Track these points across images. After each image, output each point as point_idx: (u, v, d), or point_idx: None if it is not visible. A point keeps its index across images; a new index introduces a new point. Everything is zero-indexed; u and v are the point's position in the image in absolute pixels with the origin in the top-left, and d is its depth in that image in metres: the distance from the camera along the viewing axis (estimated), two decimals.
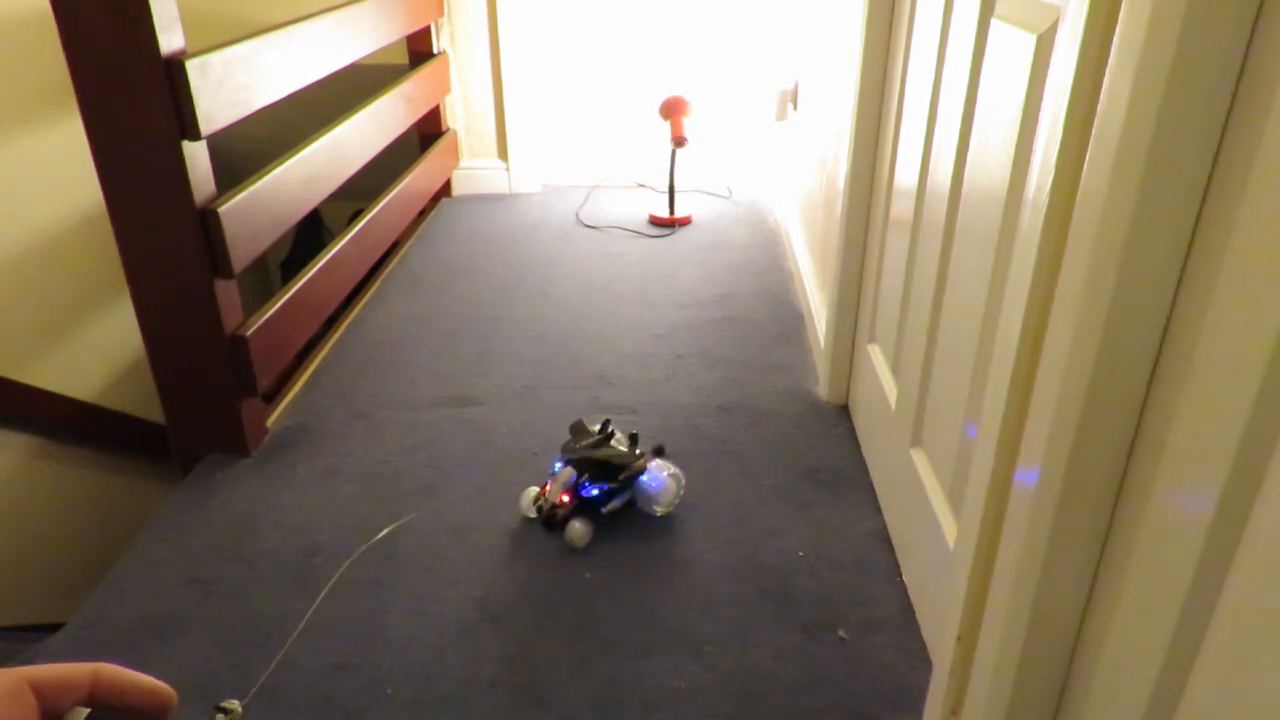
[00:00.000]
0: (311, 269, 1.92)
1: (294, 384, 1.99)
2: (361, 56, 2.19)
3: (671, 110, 2.84)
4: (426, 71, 2.79)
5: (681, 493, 1.53)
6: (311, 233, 3.51)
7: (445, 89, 3.01)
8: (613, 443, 1.53)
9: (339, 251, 2.06)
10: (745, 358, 2.08)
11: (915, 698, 1.17)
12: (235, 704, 0.47)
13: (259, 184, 1.67)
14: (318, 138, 1.96)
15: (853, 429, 1.79)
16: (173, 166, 1.47)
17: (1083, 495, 0.76)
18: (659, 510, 1.52)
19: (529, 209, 3.09)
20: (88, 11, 1.38)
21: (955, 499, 1.18)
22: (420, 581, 1.41)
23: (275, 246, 2.33)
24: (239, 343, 1.62)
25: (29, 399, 2.24)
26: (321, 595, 1.36)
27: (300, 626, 1.30)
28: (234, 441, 1.70)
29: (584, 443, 1.52)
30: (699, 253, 2.70)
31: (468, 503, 1.58)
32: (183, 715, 0.49)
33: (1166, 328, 0.69)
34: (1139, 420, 0.73)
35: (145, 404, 2.50)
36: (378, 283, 2.51)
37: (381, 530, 1.49)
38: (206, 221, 1.52)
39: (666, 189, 2.92)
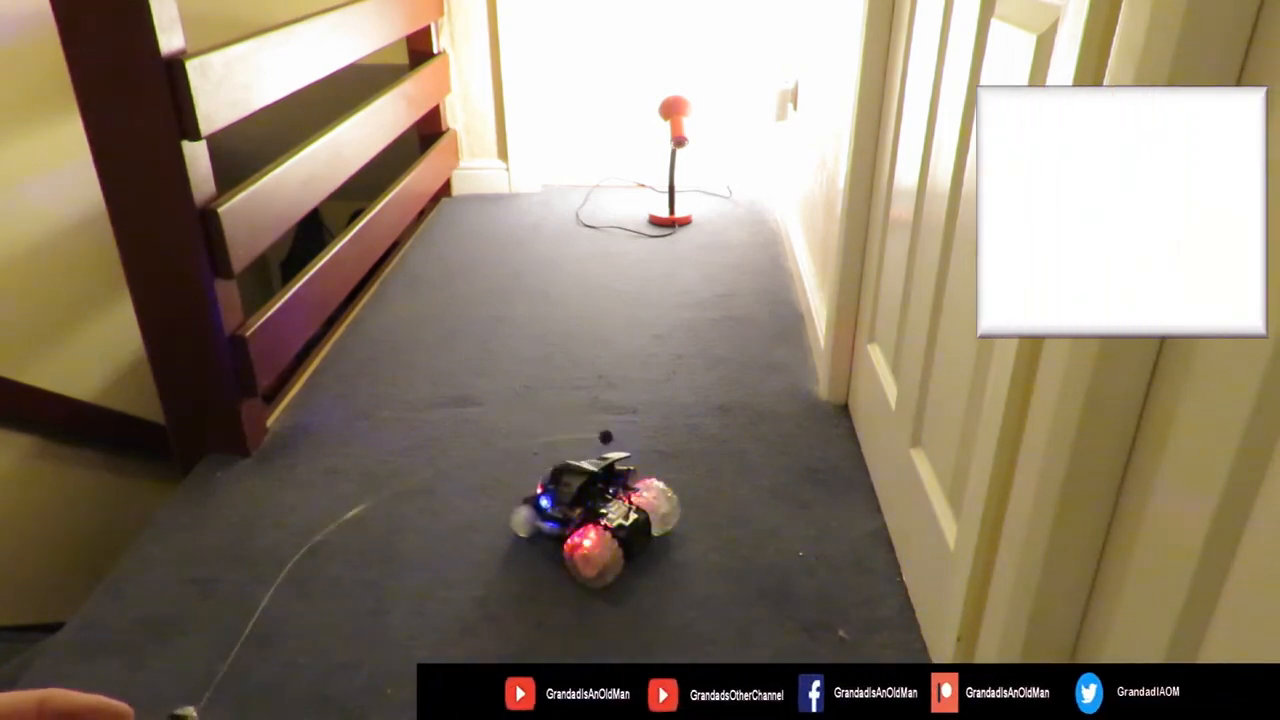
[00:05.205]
0: (311, 269, 1.92)
1: (294, 384, 1.99)
2: (361, 56, 2.19)
3: (671, 110, 2.84)
4: (426, 71, 2.79)
5: (675, 512, 1.48)
6: (311, 233, 3.51)
7: (445, 89, 3.01)
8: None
9: (339, 251, 2.06)
10: (745, 358, 2.08)
11: None
12: (190, 711, 0.46)
13: (259, 184, 1.67)
14: (318, 138, 1.96)
15: (853, 429, 1.79)
16: (173, 166, 1.47)
17: (1083, 495, 0.76)
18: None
19: (529, 209, 3.09)
20: (88, 11, 1.38)
21: (955, 499, 1.18)
22: (420, 581, 1.41)
23: (275, 246, 2.33)
24: (239, 343, 1.62)
25: (29, 399, 2.24)
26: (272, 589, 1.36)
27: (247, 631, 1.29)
28: (234, 441, 1.70)
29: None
30: (699, 253, 2.70)
31: (468, 503, 1.58)
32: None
33: None
34: (1139, 420, 0.73)
35: (145, 404, 2.49)
36: (378, 283, 2.50)
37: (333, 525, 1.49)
38: (206, 221, 1.52)
39: (666, 189, 2.92)
